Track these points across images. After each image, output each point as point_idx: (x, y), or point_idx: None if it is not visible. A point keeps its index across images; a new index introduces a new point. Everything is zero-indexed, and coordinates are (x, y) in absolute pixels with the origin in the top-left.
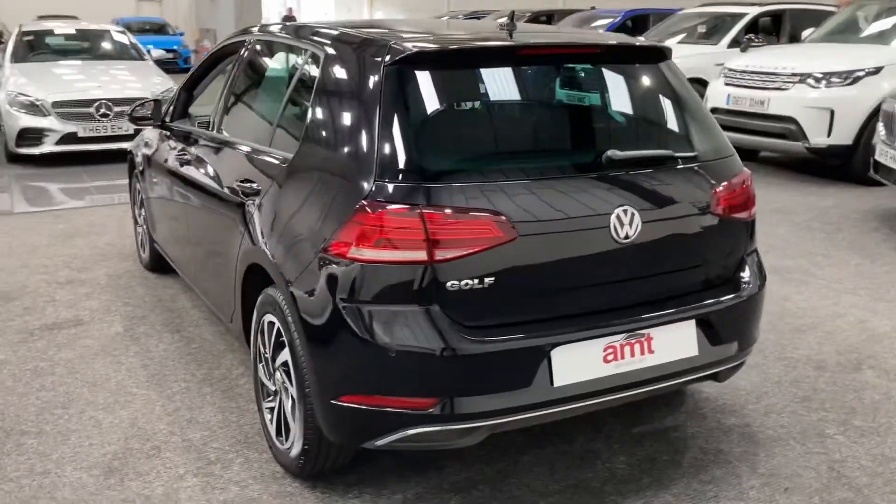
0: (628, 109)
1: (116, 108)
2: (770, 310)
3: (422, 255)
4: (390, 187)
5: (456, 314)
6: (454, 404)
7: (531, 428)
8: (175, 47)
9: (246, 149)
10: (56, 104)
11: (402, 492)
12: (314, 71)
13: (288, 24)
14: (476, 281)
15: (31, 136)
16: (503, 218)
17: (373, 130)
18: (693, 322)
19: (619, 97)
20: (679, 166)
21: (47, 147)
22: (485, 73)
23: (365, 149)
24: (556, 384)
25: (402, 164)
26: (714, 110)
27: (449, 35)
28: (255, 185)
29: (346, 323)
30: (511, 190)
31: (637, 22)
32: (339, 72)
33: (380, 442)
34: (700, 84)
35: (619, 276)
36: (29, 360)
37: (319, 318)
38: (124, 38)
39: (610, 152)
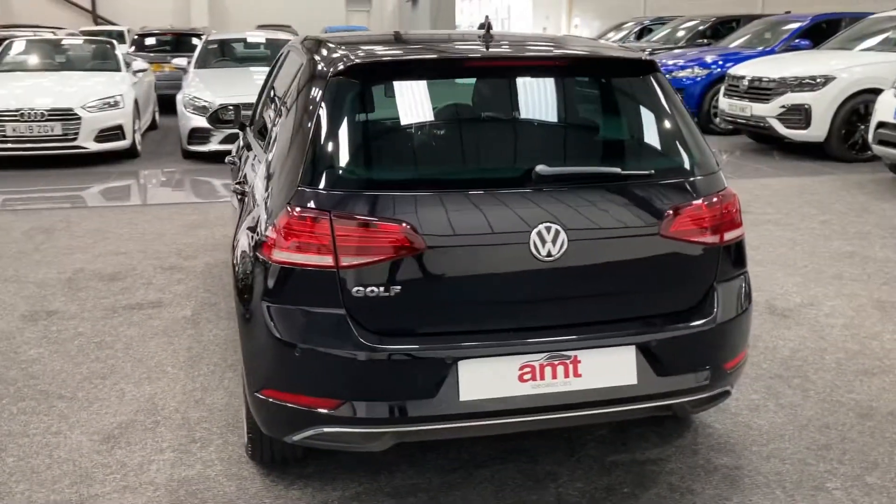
0: (581, 123)
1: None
2: (847, 347)
3: (329, 261)
4: (309, 193)
5: (362, 319)
6: (357, 408)
7: (499, 440)
8: None
9: (254, 153)
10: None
11: (343, 489)
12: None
13: (311, 37)
14: (382, 289)
15: (199, 135)
16: (412, 228)
17: (306, 138)
18: (633, 349)
19: (572, 111)
20: (626, 184)
21: (213, 145)
22: (420, 85)
23: (297, 156)
24: (462, 398)
25: (323, 172)
26: (881, 125)
27: (410, 48)
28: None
29: (265, 321)
30: (426, 201)
31: (830, 25)
32: (302, 82)
33: (296, 437)
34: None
35: (541, 294)
36: (100, 333)
37: (248, 315)
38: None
39: (538, 167)
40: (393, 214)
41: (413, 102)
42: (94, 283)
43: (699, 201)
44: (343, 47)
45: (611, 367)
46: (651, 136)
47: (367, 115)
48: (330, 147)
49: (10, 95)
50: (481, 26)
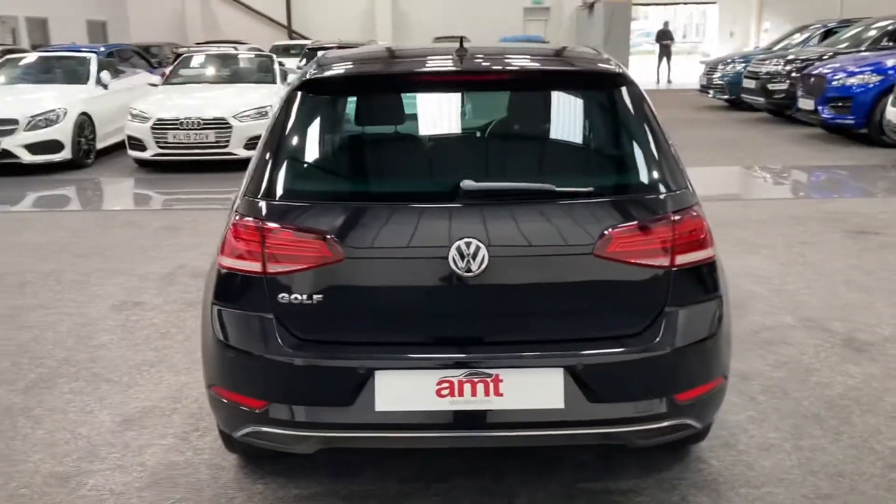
0: (529, 138)
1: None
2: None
3: (258, 267)
4: (251, 203)
5: (289, 325)
6: (281, 410)
7: (475, 455)
8: None
9: None
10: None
11: (303, 488)
12: None
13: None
14: (305, 296)
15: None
16: (333, 239)
17: (260, 151)
18: (561, 372)
19: (524, 126)
20: (561, 201)
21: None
22: (370, 99)
23: (252, 167)
24: (378, 409)
25: (264, 182)
26: None
27: (372, 64)
28: None
29: (212, 322)
30: (350, 214)
31: None
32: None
33: (237, 434)
34: None
35: (462, 310)
36: (168, 325)
37: (203, 315)
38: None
39: (463, 183)
40: (316, 225)
41: (358, 117)
42: (186, 279)
43: (646, 221)
44: (317, 63)
45: (535, 388)
46: (605, 152)
47: (313, 128)
48: (274, 159)
49: (173, 106)
50: (660, 33)
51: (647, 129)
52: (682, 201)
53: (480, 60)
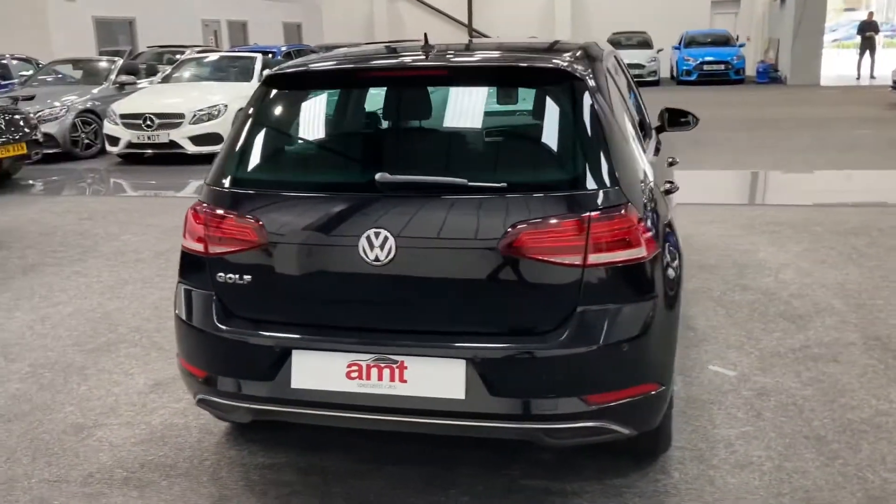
0: (458, 133)
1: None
2: None
3: (201, 248)
4: (206, 189)
5: (225, 302)
6: (216, 381)
7: (429, 440)
8: (728, 59)
9: None
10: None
11: (269, 458)
12: None
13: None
14: (237, 277)
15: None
16: (260, 224)
17: (225, 141)
18: (463, 363)
19: (458, 120)
20: (473, 195)
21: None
22: (314, 95)
23: (217, 156)
24: (294, 385)
25: (216, 170)
26: None
27: (332, 60)
28: None
29: (175, 297)
30: (278, 202)
31: None
32: None
33: (195, 400)
34: None
35: (372, 297)
36: None
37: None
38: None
39: (378, 175)
40: (248, 212)
41: (307, 111)
42: None
43: (555, 218)
44: (299, 60)
45: (438, 378)
46: (531, 148)
47: (265, 122)
48: (229, 150)
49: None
50: (863, 25)
51: (583, 127)
52: (604, 200)
53: (426, 57)
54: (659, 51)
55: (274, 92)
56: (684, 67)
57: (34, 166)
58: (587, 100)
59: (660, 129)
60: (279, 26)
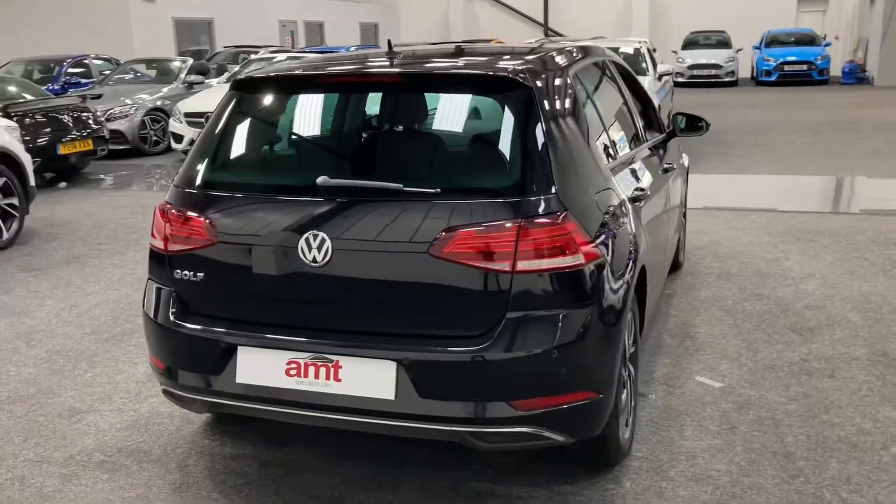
0: (401, 139)
1: None
2: None
3: (163, 245)
4: (171, 190)
5: (183, 298)
6: (172, 373)
7: (388, 440)
8: (811, 59)
9: None
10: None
11: (235, 449)
12: None
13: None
14: (191, 274)
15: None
16: (212, 224)
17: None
18: (394, 365)
19: (405, 125)
20: (407, 200)
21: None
22: (270, 99)
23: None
24: (238, 380)
25: (182, 171)
26: None
27: (301, 64)
28: None
29: (145, 291)
30: (231, 202)
31: None
32: None
33: (161, 390)
34: None
35: (310, 298)
36: None
37: None
38: None
39: (319, 180)
40: (201, 212)
41: (265, 115)
42: None
43: (485, 224)
44: (270, 66)
45: (369, 378)
46: (469, 155)
47: (228, 125)
48: (196, 151)
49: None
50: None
51: (523, 134)
52: (537, 207)
53: (381, 64)
54: (738, 50)
55: (238, 96)
56: (764, 67)
57: (103, 162)
58: (531, 107)
59: (671, 134)
60: (356, 27)
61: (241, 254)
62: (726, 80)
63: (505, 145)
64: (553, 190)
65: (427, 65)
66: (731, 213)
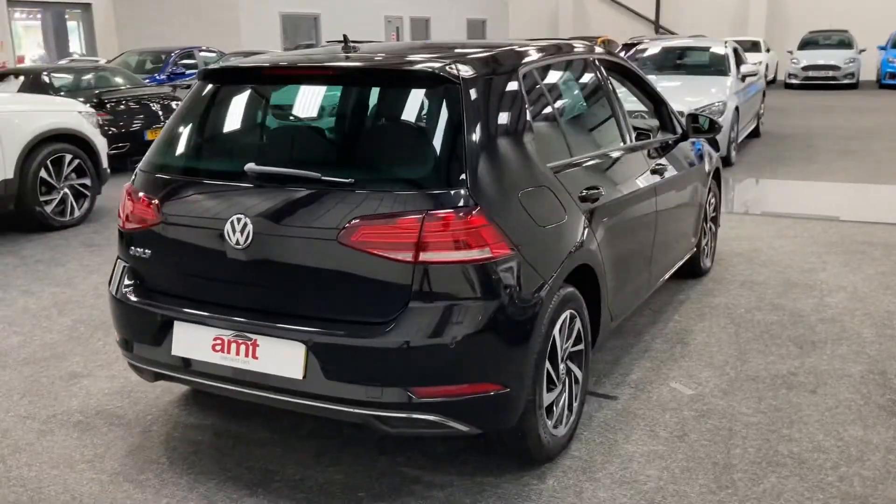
0: (332, 129)
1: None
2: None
3: (121, 223)
4: (134, 172)
5: (135, 274)
6: (126, 343)
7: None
8: None
9: None
10: None
11: (199, 420)
12: None
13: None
14: (141, 251)
15: None
16: (157, 205)
17: None
18: (302, 346)
19: (338, 117)
20: (323, 189)
21: None
22: (225, 90)
23: None
24: (174, 353)
25: (145, 156)
26: None
27: (268, 58)
28: None
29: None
30: (176, 185)
31: None
32: None
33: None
34: None
35: (234, 278)
36: None
37: None
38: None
39: (247, 166)
40: (151, 193)
41: (218, 104)
42: None
43: (391, 215)
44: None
45: (282, 357)
46: (388, 147)
47: (190, 112)
48: (159, 137)
49: None
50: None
51: (442, 129)
52: (445, 201)
53: (321, 59)
54: (861, 51)
55: (198, 87)
56: (888, 70)
57: None
58: (455, 104)
59: (684, 136)
60: (463, 23)
61: (179, 233)
62: (844, 82)
63: (423, 140)
64: (464, 185)
65: (363, 60)
66: (787, 221)
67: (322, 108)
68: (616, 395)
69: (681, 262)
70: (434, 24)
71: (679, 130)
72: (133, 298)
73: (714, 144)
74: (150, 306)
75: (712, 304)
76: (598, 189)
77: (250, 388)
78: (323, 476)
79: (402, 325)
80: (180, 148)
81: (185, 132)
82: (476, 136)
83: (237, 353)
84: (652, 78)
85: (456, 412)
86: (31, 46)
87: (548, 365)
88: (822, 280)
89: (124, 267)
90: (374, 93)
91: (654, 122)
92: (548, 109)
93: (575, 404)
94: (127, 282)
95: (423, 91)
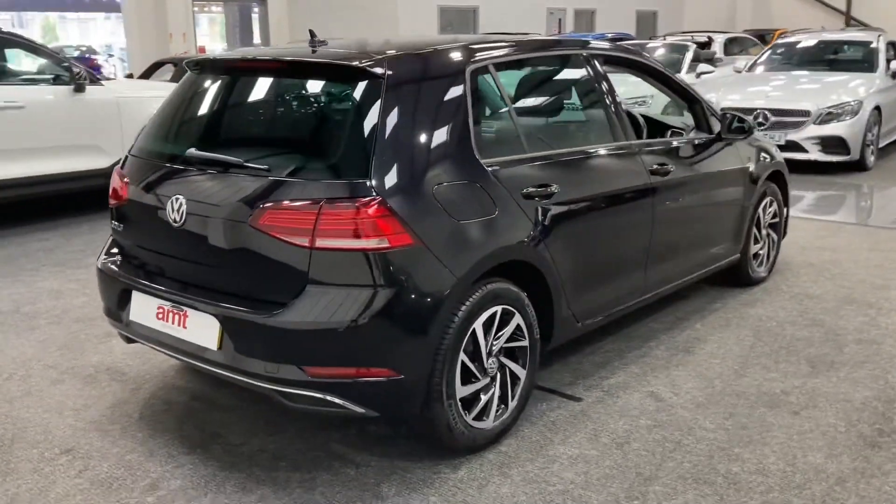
0: (263, 118)
1: (774, 118)
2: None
3: (111, 202)
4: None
5: (114, 245)
6: (109, 310)
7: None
8: None
9: None
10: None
11: (188, 383)
12: None
13: None
14: (117, 224)
15: None
16: (127, 183)
17: None
18: (216, 319)
19: (271, 107)
20: (244, 174)
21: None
22: (192, 79)
23: None
24: (131, 319)
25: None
26: None
27: (241, 51)
28: None
29: None
30: (143, 167)
31: None
32: None
33: None
34: None
35: (174, 253)
36: None
37: None
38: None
39: (188, 151)
40: (126, 173)
41: (192, 93)
42: None
43: (294, 201)
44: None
45: (203, 329)
46: (306, 137)
47: (172, 99)
48: (147, 123)
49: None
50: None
51: (356, 122)
52: (345, 191)
53: (266, 52)
54: None
55: (184, 76)
56: None
57: None
58: (373, 98)
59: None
60: (632, 15)
61: (138, 210)
62: None
63: (338, 132)
64: (368, 177)
65: (298, 55)
66: (890, 233)
67: (262, 100)
68: (581, 398)
69: (709, 270)
70: (600, 16)
71: (715, 130)
72: (109, 269)
73: (843, 146)
74: (118, 276)
75: (746, 314)
76: (548, 186)
77: (183, 354)
78: (259, 444)
79: (298, 307)
80: (152, 132)
81: (158, 119)
82: (390, 131)
83: (173, 322)
84: (788, 74)
85: (350, 394)
86: (214, 38)
87: (464, 358)
88: (888, 298)
89: (109, 240)
90: (305, 86)
91: (690, 121)
92: (500, 106)
93: (512, 401)
94: (106, 254)
95: (347, 86)
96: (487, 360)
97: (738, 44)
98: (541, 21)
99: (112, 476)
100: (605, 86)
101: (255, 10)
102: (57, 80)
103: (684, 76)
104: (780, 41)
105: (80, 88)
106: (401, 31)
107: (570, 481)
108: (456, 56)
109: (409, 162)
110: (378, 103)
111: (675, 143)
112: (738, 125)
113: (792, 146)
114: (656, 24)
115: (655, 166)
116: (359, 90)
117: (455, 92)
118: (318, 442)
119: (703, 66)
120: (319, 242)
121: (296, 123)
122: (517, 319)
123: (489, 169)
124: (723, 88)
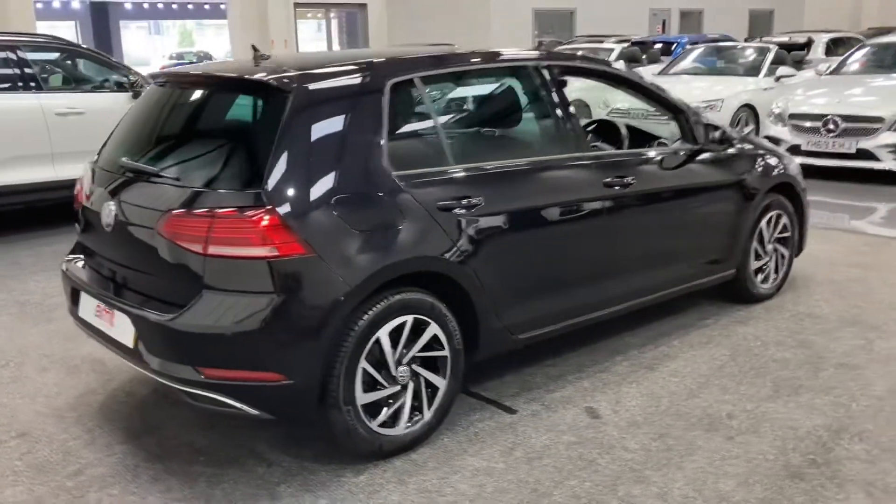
0: (188, 132)
1: (844, 125)
2: None
3: (74, 206)
4: None
5: (76, 247)
6: (69, 305)
7: None
8: None
9: None
10: (792, 116)
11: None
12: None
13: None
14: (77, 225)
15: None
16: (83, 189)
17: None
18: (129, 319)
19: (197, 121)
20: (159, 183)
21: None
22: (148, 92)
23: None
24: (80, 314)
25: None
26: None
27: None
28: None
29: None
30: (94, 174)
31: None
32: None
33: None
34: None
35: (107, 255)
36: None
37: None
38: None
39: (121, 160)
40: (84, 179)
41: (141, 104)
42: None
43: (191, 210)
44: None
45: (123, 328)
46: (218, 150)
47: (130, 112)
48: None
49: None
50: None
51: (258, 135)
52: (236, 200)
53: (198, 68)
54: None
55: (149, 88)
56: None
57: None
58: (278, 112)
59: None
60: (744, 15)
61: (87, 215)
62: None
63: (240, 144)
64: (261, 188)
65: (225, 70)
66: None
67: (190, 113)
68: (517, 410)
69: (692, 285)
70: (707, 17)
71: (697, 140)
72: (67, 269)
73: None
74: (71, 277)
75: (732, 332)
76: (469, 198)
77: (116, 350)
78: (190, 439)
79: (193, 310)
80: (109, 142)
81: (116, 129)
82: (292, 144)
83: (105, 321)
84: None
85: (242, 396)
86: (316, 43)
87: (366, 366)
88: None
89: (75, 243)
90: (226, 100)
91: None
92: (426, 120)
93: (429, 410)
94: (69, 254)
95: (257, 100)
96: (396, 368)
97: (843, 45)
98: (642, 23)
99: (48, 460)
100: (554, 97)
101: (358, 16)
102: (119, 88)
103: (762, 79)
104: (868, 42)
105: (137, 95)
106: (493, 35)
107: (463, 493)
108: (374, 71)
109: (308, 174)
110: (282, 118)
111: (642, 155)
112: (714, 135)
113: (863, 154)
114: (772, 23)
115: (612, 178)
116: (266, 105)
117: (368, 106)
118: (244, 440)
119: (782, 70)
120: (212, 249)
121: (211, 136)
122: (433, 329)
123: (401, 182)
124: (793, 93)
